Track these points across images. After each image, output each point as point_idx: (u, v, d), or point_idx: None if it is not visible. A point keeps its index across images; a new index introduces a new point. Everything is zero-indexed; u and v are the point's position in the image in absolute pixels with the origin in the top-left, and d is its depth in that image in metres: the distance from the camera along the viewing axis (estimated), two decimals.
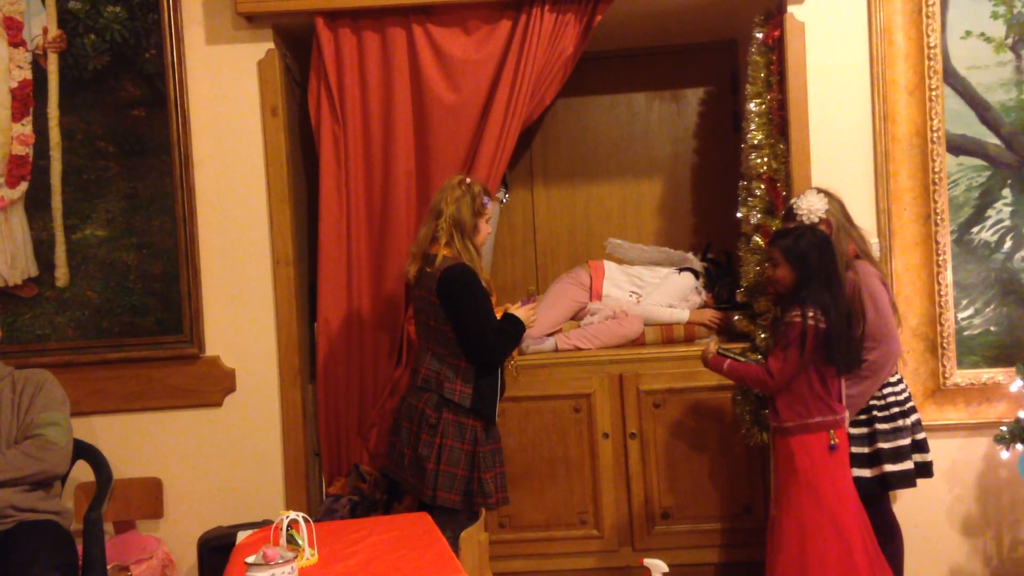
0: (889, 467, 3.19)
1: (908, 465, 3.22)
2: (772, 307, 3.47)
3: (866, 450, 3.23)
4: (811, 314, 3.01)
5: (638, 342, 3.95)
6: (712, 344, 3.29)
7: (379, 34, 3.61)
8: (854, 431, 3.22)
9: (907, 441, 3.23)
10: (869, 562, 3.03)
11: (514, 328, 3.20)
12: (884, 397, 3.25)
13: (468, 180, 3.20)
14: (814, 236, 3.11)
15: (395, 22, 3.59)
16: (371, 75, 3.61)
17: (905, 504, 3.57)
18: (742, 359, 3.23)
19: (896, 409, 3.24)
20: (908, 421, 3.25)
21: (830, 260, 3.08)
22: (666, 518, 3.79)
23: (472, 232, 3.14)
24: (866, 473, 3.21)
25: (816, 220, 3.20)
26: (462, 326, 3.08)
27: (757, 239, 3.62)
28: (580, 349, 3.89)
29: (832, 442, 3.05)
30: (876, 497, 3.23)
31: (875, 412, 3.23)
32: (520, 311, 3.24)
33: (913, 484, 3.26)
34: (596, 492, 3.78)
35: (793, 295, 3.09)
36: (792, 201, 3.33)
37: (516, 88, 3.57)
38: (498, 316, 3.20)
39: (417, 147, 3.65)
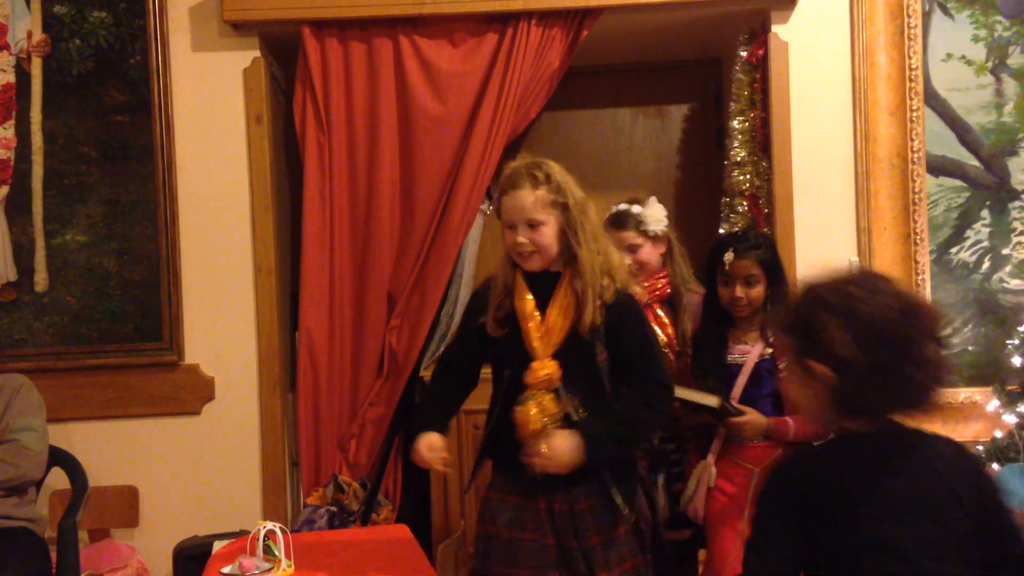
0: None
1: None
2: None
3: None
4: None
5: None
6: (758, 417, 2.71)
7: (365, 44, 3.61)
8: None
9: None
10: None
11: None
12: None
13: None
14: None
15: (382, 33, 3.59)
16: (357, 85, 3.61)
17: None
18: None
19: None
20: None
21: None
22: None
23: None
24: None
25: (659, 232, 2.99)
26: None
27: None
28: None
29: None
30: None
31: None
32: (435, 439, 2.42)
33: None
34: None
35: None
36: (629, 208, 3.03)
37: (502, 101, 3.57)
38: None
39: (402, 158, 3.64)
